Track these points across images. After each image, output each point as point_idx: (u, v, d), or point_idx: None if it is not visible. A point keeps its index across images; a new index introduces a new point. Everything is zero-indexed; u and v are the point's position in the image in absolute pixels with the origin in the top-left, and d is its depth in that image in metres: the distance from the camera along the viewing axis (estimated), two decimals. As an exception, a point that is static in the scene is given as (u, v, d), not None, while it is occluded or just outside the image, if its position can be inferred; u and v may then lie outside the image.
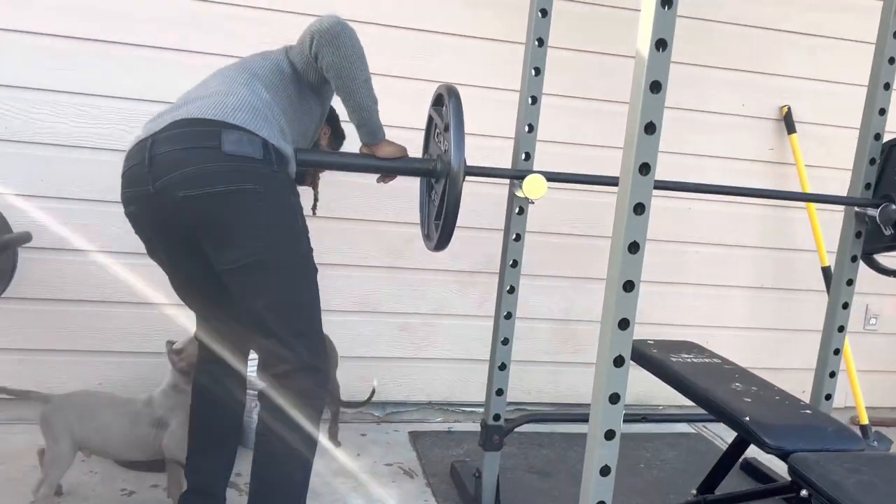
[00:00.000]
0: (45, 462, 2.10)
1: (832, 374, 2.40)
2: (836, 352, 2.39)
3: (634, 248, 1.36)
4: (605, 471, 1.44)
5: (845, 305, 2.38)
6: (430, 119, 2.24)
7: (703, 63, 3.18)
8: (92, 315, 2.77)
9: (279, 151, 1.79)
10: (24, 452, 2.44)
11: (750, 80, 3.24)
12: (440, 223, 2.02)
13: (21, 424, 2.67)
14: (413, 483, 2.60)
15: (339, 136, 2.31)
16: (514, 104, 2.33)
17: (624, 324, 1.39)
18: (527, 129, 2.26)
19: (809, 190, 3.24)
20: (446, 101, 2.00)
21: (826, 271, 3.23)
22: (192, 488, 2.04)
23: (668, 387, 2.21)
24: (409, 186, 2.53)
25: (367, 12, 2.77)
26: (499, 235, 2.39)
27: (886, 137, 2.33)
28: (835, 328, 2.39)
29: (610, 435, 1.43)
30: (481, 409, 2.50)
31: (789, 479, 1.75)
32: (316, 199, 2.34)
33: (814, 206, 3.27)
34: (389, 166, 2.10)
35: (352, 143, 2.10)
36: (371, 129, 2.00)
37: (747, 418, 1.85)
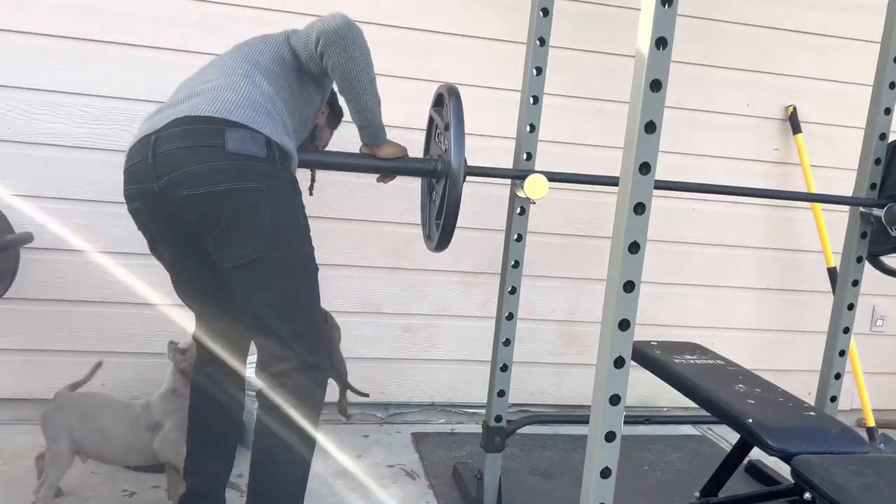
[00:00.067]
0: (45, 462, 2.10)
1: (837, 376, 2.37)
2: (842, 353, 2.37)
3: (635, 248, 1.35)
4: (605, 473, 1.43)
5: (850, 306, 2.36)
6: (431, 120, 2.23)
7: (711, 63, 3.16)
8: (93, 315, 2.76)
9: (282, 149, 1.78)
10: (25, 453, 2.44)
11: (757, 80, 3.22)
12: (440, 223, 2.01)
13: (22, 425, 2.68)
14: (415, 485, 2.59)
15: (337, 114, 2.27)
16: (515, 104, 2.32)
17: (624, 324, 1.37)
18: (528, 129, 2.25)
19: (815, 190, 3.22)
20: (446, 101, 1.99)
21: (832, 272, 3.21)
22: (191, 490, 2.03)
23: (672, 388, 2.19)
24: (412, 187, 2.52)
25: (368, 12, 2.76)
26: (502, 236, 2.38)
27: (892, 137, 2.31)
28: (840, 329, 2.37)
29: (610, 437, 1.41)
30: (484, 411, 2.49)
31: (793, 481, 1.73)
32: (313, 180, 2.31)
33: (819, 206, 3.25)
34: (390, 166, 2.10)
35: (352, 142, 2.09)
36: (374, 130, 1.99)
37: (750, 420, 1.83)
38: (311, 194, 2.21)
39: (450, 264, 3.04)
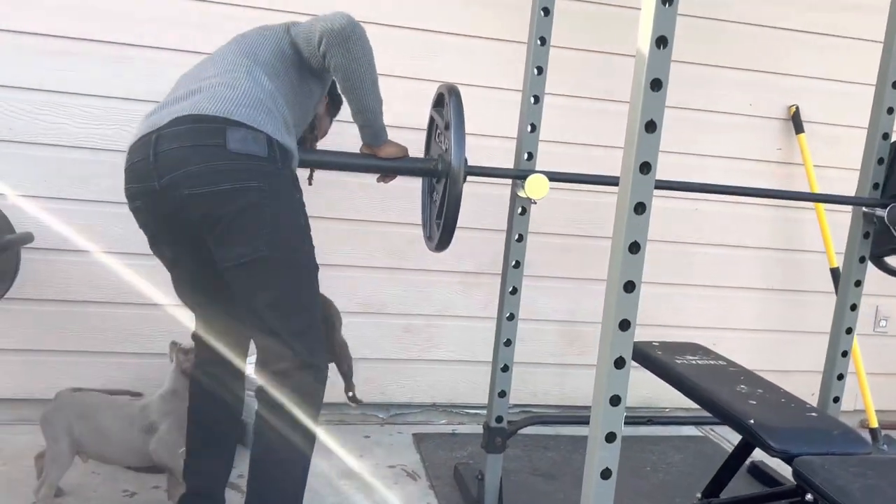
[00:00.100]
0: (45, 462, 2.10)
1: (840, 377, 2.37)
2: (845, 354, 2.36)
3: (635, 248, 1.34)
4: (605, 474, 1.42)
5: (853, 307, 2.36)
6: (432, 120, 2.22)
7: (714, 63, 3.15)
8: (94, 316, 2.76)
9: (283, 147, 1.78)
10: (25, 453, 2.43)
11: (761, 80, 3.21)
12: (441, 223, 2.00)
13: (22, 425, 2.67)
14: (416, 485, 2.59)
15: (336, 103, 2.25)
16: (516, 104, 2.31)
17: (625, 325, 1.37)
18: (529, 128, 2.25)
19: (818, 190, 3.21)
20: (447, 100, 1.99)
21: (835, 272, 3.19)
22: (191, 490, 2.03)
23: (674, 389, 2.18)
24: (414, 187, 2.51)
25: (368, 12, 2.75)
26: (503, 236, 2.37)
27: (895, 137, 2.30)
28: (843, 330, 2.36)
29: (611, 437, 1.41)
30: (485, 411, 2.48)
31: (795, 483, 1.72)
32: (312, 170, 2.30)
33: (822, 206, 3.24)
34: (390, 166, 2.09)
35: (352, 142, 2.09)
36: (375, 130, 1.99)
37: (752, 421, 1.82)
38: (310, 184, 2.20)
39: (451, 265, 3.03)
